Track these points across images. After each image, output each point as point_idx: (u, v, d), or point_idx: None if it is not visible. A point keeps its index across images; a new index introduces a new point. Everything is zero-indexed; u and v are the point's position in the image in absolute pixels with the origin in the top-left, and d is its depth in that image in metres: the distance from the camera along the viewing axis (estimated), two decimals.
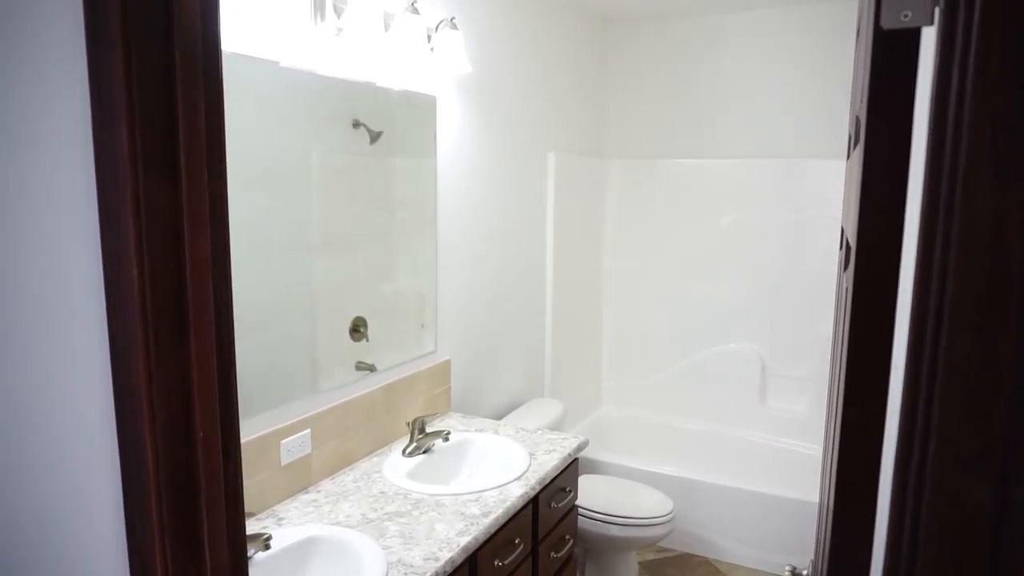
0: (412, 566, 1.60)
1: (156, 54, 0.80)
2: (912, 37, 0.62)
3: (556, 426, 3.04)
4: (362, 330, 2.22)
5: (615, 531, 2.79)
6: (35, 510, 0.96)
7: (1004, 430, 0.48)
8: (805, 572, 1.34)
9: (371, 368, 2.25)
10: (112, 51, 0.78)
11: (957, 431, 0.49)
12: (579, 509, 2.76)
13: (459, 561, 1.68)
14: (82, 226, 0.84)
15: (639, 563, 3.18)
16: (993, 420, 0.48)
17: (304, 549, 1.69)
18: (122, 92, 0.78)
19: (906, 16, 0.59)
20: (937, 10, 0.58)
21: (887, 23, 0.60)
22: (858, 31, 1.21)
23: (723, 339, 3.85)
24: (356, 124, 2.12)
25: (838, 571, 0.69)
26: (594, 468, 3.43)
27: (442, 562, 1.62)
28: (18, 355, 0.93)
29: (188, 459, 0.89)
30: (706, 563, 3.27)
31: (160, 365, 0.84)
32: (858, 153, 0.76)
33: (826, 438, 1.28)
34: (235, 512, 0.97)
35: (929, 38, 0.61)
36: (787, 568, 1.37)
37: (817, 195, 3.53)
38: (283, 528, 1.76)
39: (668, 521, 2.81)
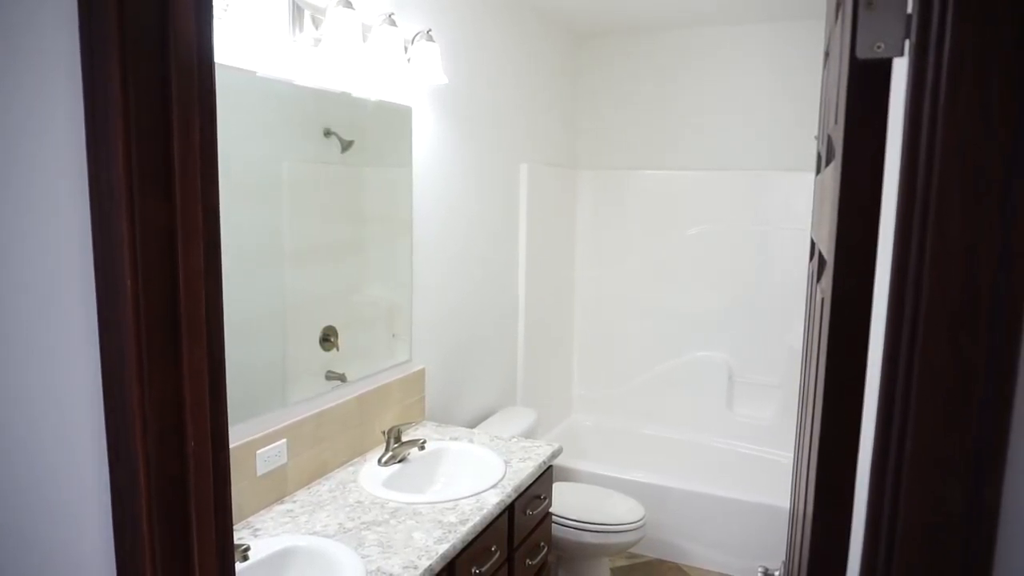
0: (391, 574, 1.61)
1: (152, 70, 0.81)
2: (885, 66, 0.66)
3: (529, 434, 3.07)
4: (332, 339, 2.22)
5: (588, 538, 2.81)
6: (22, 523, 0.96)
7: (975, 435, 0.51)
8: (777, 573, 1.38)
9: (341, 378, 2.25)
10: (109, 67, 0.78)
11: (932, 436, 0.52)
12: (552, 516, 2.78)
13: (438, 569, 1.70)
14: (75, 239, 0.84)
15: (611, 569, 3.22)
16: (965, 426, 0.51)
17: (282, 559, 1.69)
18: (119, 108, 0.78)
19: (879, 47, 0.63)
20: (908, 43, 0.62)
21: (862, 53, 0.64)
22: (826, 53, 1.26)
23: (691, 347, 3.92)
24: (328, 133, 2.12)
25: (817, 570, 0.73)
26: (566, 476, 3.46)
27: (421, 570, 1.63)
28: (8, 366, 0.93)
29: (179, 470, 0.89)
30: (676, 568, 3.32)
31: (153, 377, 0.84)
32: (833, 171, 0.80)
33: (799, 444, 1.32)
34: (223, 522, 0.98)
35: (900, 67, 0.65)
36: (760, 569, 1.41)
37: (782, 207, 3.62)
38: (259, 539, 1.75)
39: (639, 527, 2.85)
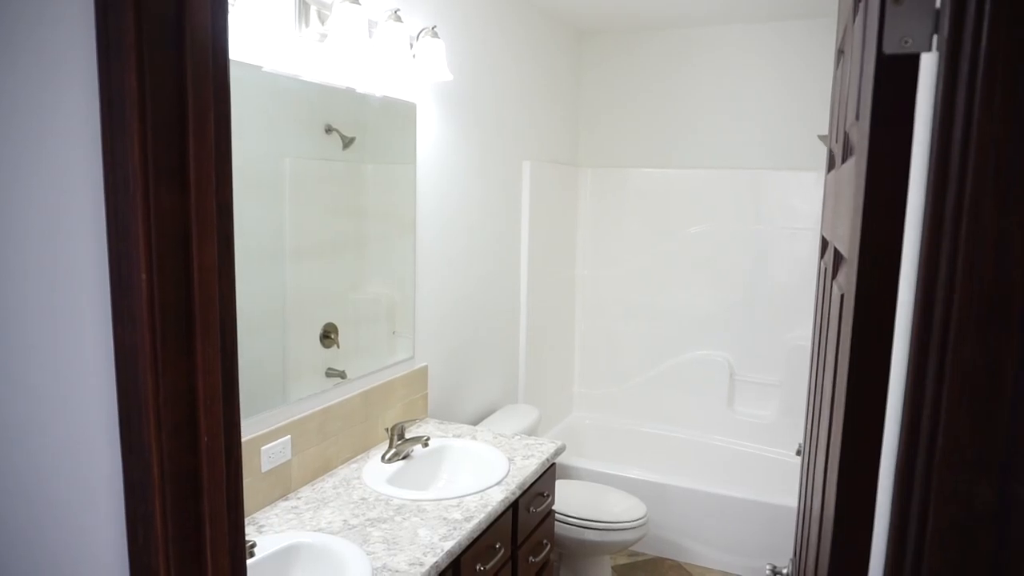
0: (397, 571, 1.60)
1: (168, 64, 0.80)
2: (911, 61, 0.66)
3: (531, 432, 3.07)
4: (333, 336, 2.21)
5: (589, 535, 2.81)
6: (35, 517, 0.95)
7: (1006, 430, 0.51)
8: (786, 570, 1.38)
9: (341, 375, 2.23)
10: (125, 61, 0.78)
11: (962, 432, 0.52)
12: (554, 514, 2.78)
13: (443, 566, 1.69)
14: (90, 233, 0.84)
15: (612, 567, 3.22)
16: (996, 421, 0.51)
17: (288, 556, 1.68)
18: (135, 102, 0.78)
19: (907, 42, 0.63)
20: (936, 37, 0.61)
21: (889, 48, 0.64)
22: (840, 51, 1.26)
23: (692, 346, 3.92)
24: (329, 129, 2.11)
25: (839, 568, 0.73)
26: (567, 473, 3.46)
27: (427, 567, 1.63)
28: (22, 360, 0.92)
29: (192, 464, 0.89)
30: (677, 567, 3.32)
31: (167, 371, 0.84)
32: (853, 168, 0.79)
33: (809, 441, 1.32)
34: (236, 516, 0.97)
35: (927, 62, 0.65)
36: (768, 566, 1.41)
37: (782, 206, 3.62)
38: (265, 535, 1.75)
39: (641, 525, 2.85)
